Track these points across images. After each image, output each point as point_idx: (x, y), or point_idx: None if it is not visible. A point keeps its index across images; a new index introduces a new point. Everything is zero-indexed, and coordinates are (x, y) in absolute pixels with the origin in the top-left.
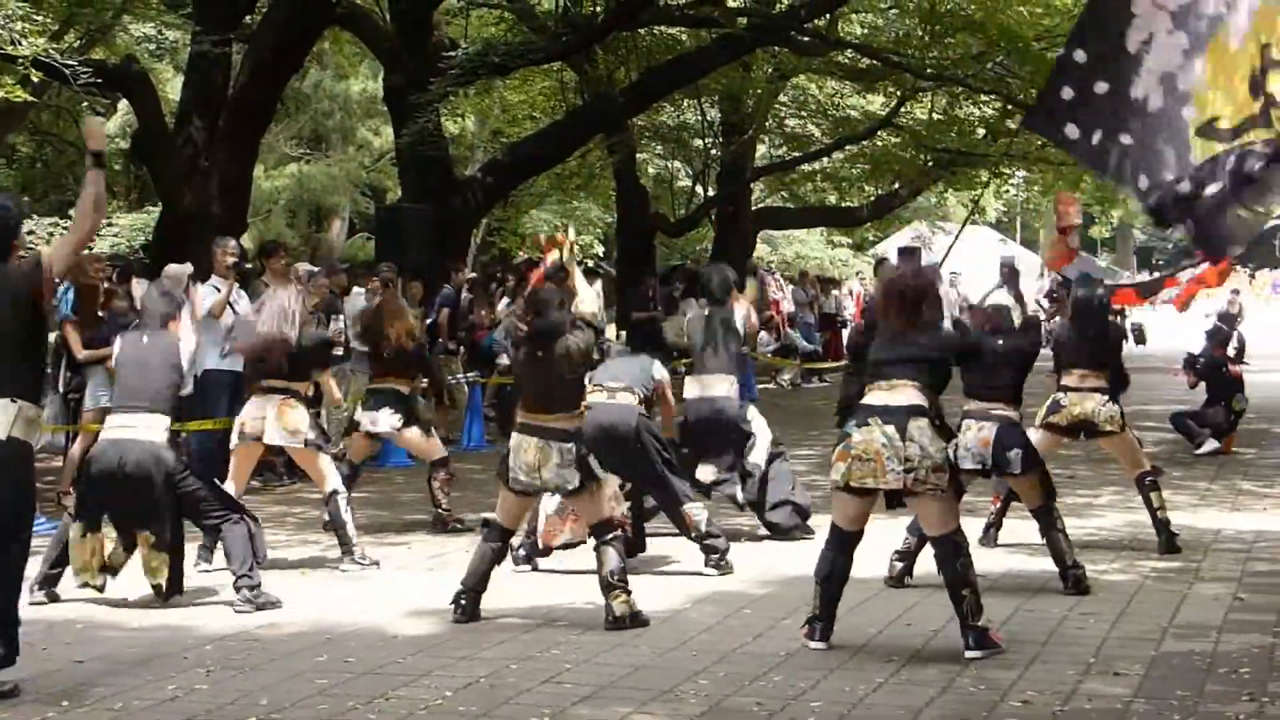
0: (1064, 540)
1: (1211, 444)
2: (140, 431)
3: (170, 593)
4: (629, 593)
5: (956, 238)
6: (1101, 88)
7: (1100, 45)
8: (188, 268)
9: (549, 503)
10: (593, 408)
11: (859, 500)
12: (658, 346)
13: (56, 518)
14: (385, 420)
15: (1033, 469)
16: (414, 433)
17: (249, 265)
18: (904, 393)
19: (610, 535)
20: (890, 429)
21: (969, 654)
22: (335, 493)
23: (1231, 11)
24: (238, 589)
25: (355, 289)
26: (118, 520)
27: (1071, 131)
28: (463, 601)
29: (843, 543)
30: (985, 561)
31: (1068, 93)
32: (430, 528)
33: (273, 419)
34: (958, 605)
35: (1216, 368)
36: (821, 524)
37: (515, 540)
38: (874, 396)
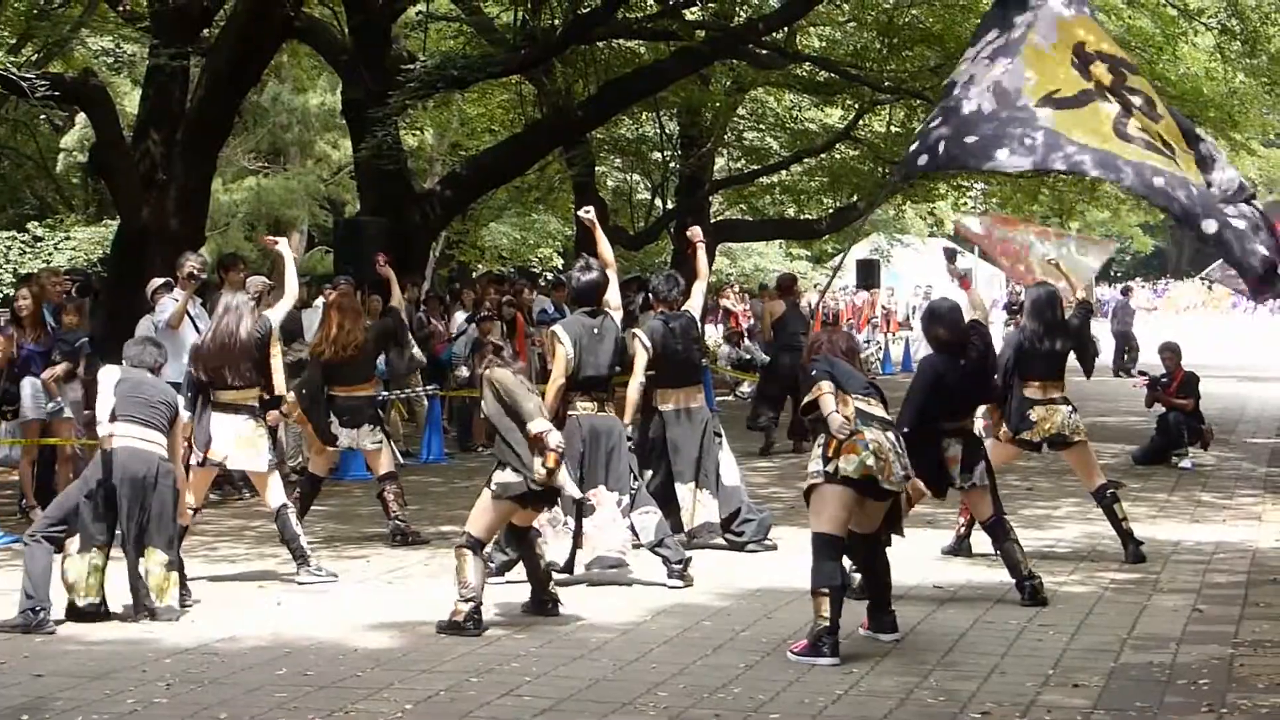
0: (1018, 551)
1: (1189, 460)
2: (153, 446)
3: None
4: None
5: (836, 271)
6: (941, 128)
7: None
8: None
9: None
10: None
11: (863, 499)
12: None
13: (18, 532)
14: (367, 438)
15: (988, 482)
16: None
17: (204, 276)
18: (881, 409)
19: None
20: (891, 435)
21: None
22: (283, 507)
23: (1034, 27)
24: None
25: (317, 302)
26: (132, 534)
27: (924, 160)
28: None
29: (838, 549)
30: (945, 573)
31: (921, 153)
32: (389, 540)
33: (233, 443)
34: (886, 595)
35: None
36: (781, 536)
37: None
38: (860, 405)
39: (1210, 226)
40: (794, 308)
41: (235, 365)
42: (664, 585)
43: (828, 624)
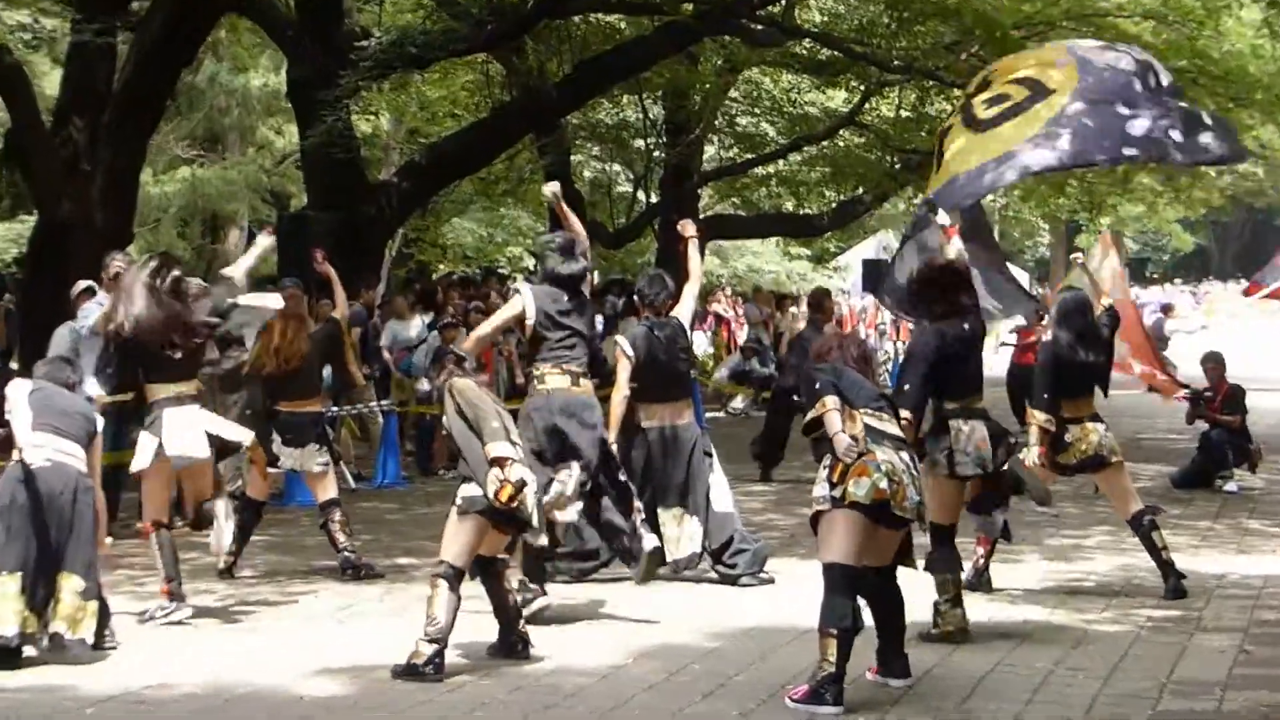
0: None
1: (1235, 483)
2: (73, 460)
3: (97, 645)
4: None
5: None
6: None
7: None
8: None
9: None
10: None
11: (876, 527)
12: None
13: None
14: (313, 459)
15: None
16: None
17: None
18: (893, 425)
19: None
20: (905, 455)
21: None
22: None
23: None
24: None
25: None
26: (40, 561)
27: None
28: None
29: (853, 584)
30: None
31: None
32: (339, 575)
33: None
34: (898, 637)
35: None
36: (779, 568)
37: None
38: (870, 420)
39: (1137, 126)
40: (816, 328)
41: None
42: (647, 624)
43: (833, 670)
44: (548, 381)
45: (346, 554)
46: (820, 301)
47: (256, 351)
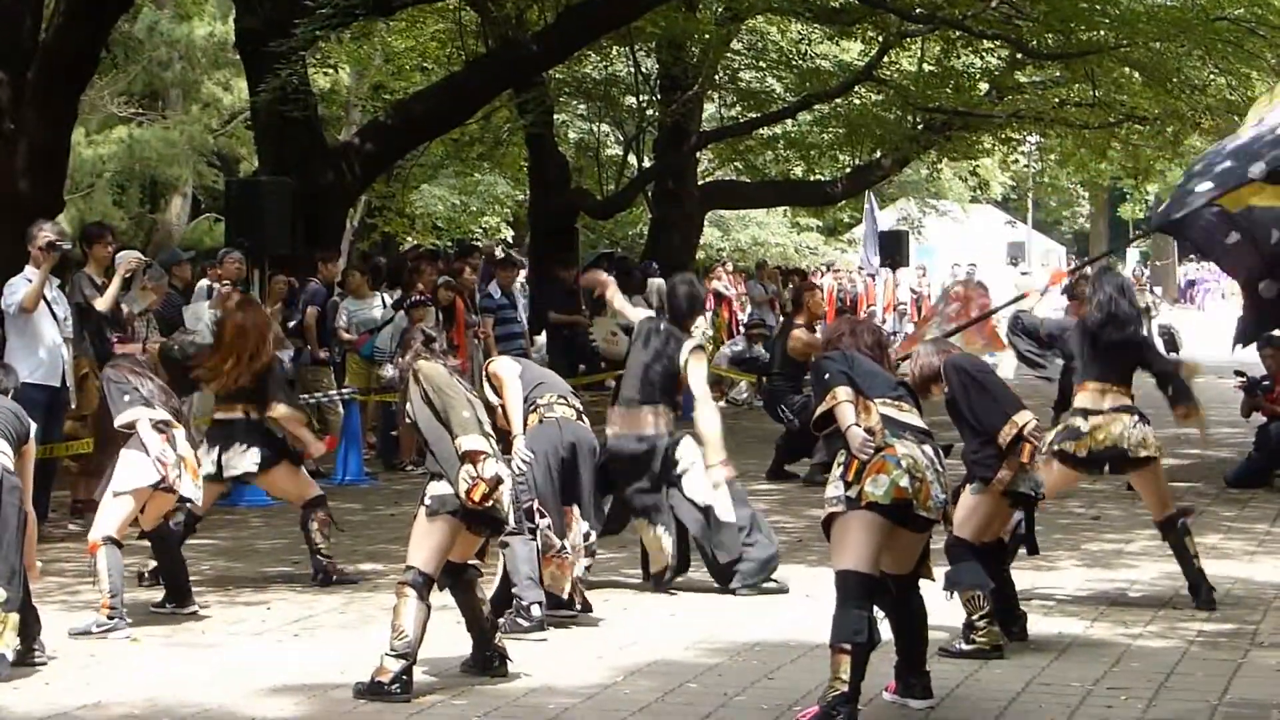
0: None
1: None
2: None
3: (24, 659)
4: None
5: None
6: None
7: None
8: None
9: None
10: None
11: (896, 530)
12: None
13: None
14: (244, 462)
15: None
16: (281, 472)
17: (66, 246)
18: (915, 415)
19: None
20: (929, 449)
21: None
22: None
23: None
24: None
25: (201, 282)
26: None
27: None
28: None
29: (870, 594)
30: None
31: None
32: (313, 579)
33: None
34: (920, 653)
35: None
36: (786, 576)
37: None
38: (889, 411)
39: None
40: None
41: None
42: (637, 641)
43: (846, 689)
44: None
45: (320, 558)
46: (799, 296)
47: (211, 365)
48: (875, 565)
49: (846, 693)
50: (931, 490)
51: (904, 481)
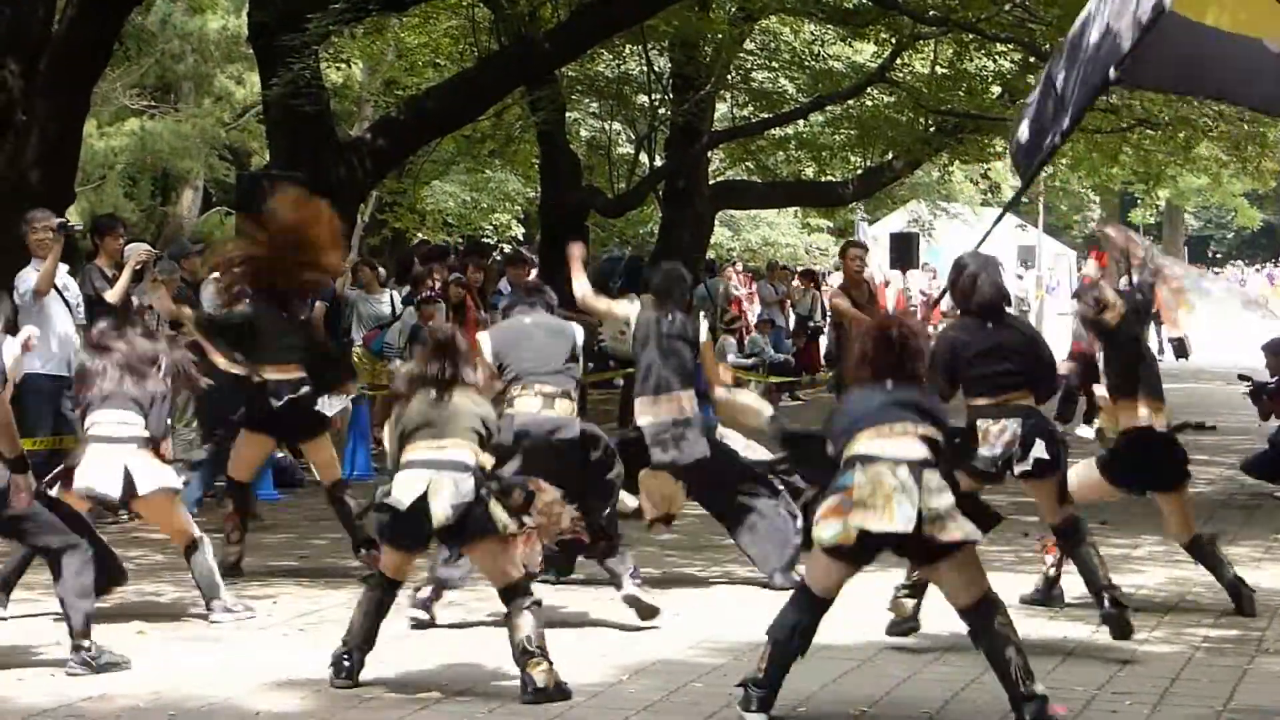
0: (1096, 557)
1: None
2: None
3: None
4: (550, 661)
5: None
6: None
7: None
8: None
9: None
10: None
11: (850, 567)
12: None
13: None
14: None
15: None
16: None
17: (76, 229)
18: (909, 439)
19: (526, 600)
20: (904, 471)
21: None
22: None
23: None
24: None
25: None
26: None
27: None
28: (345, 662)
29: (815, 607)
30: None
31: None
32: (355, 553)
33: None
34: (1006, 674)
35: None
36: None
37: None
38: (871, 444)
39: None
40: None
41: None
42: (639, 638)
43: (760, 676)
44: None
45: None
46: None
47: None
48: (832, 592)
49: (760, 679)
50: (897, 507)
51: (856, 518)
